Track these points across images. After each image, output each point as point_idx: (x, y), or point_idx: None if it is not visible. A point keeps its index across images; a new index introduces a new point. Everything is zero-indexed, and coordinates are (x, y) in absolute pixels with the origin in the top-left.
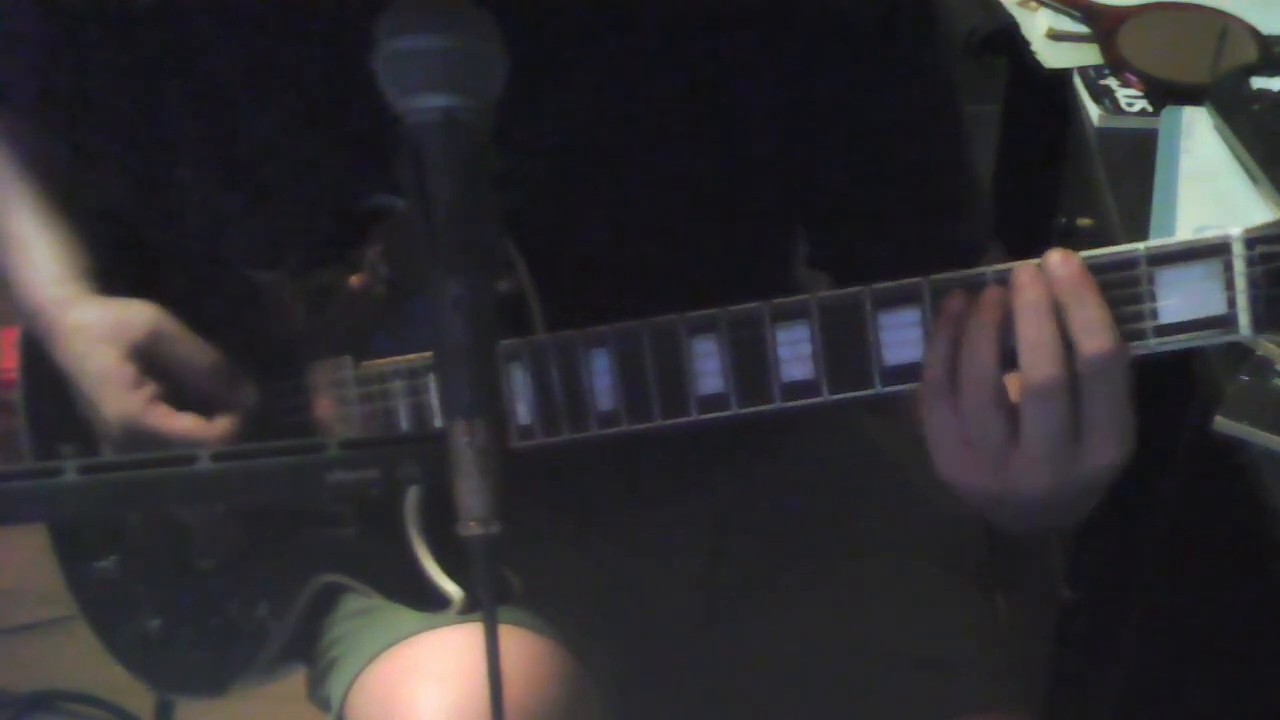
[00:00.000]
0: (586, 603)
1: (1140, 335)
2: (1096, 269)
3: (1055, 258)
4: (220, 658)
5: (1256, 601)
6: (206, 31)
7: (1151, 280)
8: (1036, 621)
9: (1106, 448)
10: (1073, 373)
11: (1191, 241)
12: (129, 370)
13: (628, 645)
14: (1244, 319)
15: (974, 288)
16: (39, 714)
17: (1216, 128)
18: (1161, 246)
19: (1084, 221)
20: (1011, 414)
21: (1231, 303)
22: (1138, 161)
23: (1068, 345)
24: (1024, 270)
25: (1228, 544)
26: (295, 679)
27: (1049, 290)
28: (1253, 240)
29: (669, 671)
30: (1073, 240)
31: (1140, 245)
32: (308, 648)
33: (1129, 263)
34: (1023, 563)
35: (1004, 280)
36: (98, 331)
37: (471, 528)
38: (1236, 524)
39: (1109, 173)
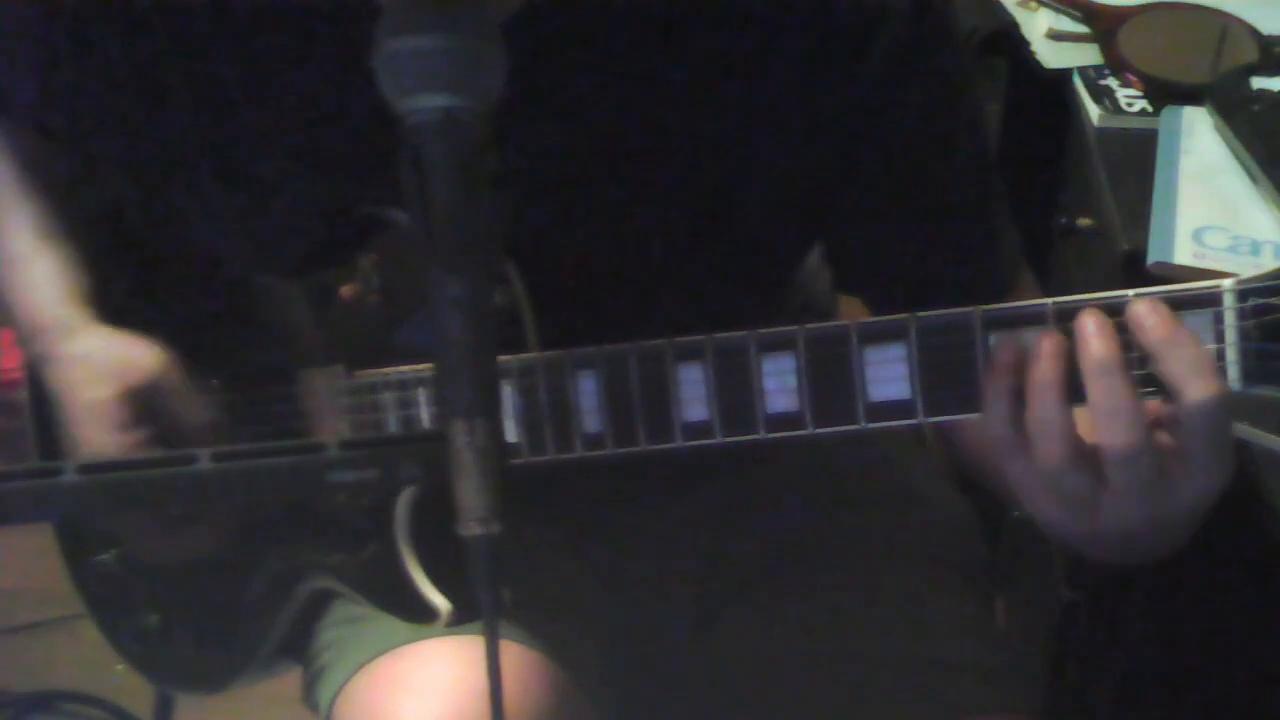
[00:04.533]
0: (581, 607)
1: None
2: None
3: (1141, 310)
4: (217, 655)
5: (1256, 601)
6: (206, 33)
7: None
8: (1036, 621)
9: (1207, 478)
10: (1170, 419)
11: (1182, 290)
12: (122, 411)
13: (622, 649)
14: (1233, 372)
15: (1028, 321)
16: (39, 714)
17: (1216, 128)
18: (1152, 294)
19: (1084, 221)
20: (1095, 461)
21: (1221, 355)
22: (1138, 161)
23: (1164, 390)
24: (1089, 321)
25: (1228, 544)
26: (292, 680)
27: (1116, 345)
28: (1245, 292)
29: (665, 675)
30: (1073, 240)
31: (1130, 292)
32: (300, 650)
33: (1118, 309)
34: (1023, 562)
35: (1040, 318)
36: (99, 365)
37: (472, 528)
38: (1236, 524)
39: (1109, 173)
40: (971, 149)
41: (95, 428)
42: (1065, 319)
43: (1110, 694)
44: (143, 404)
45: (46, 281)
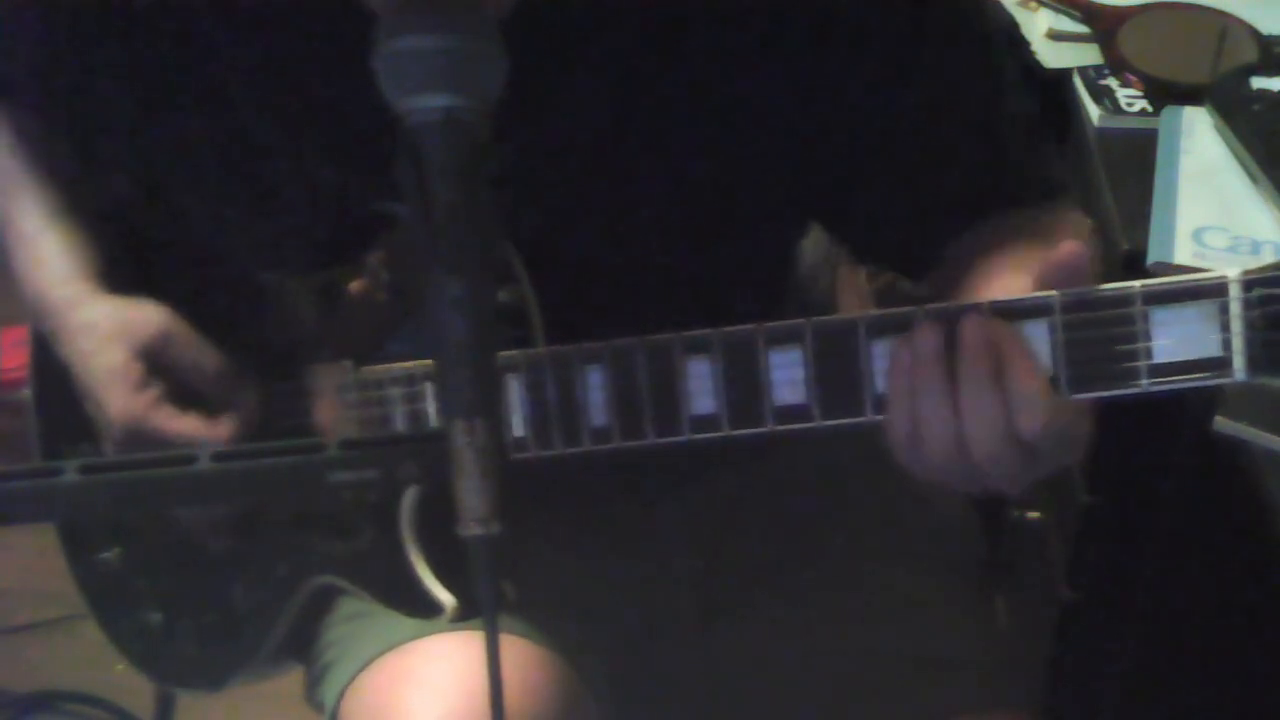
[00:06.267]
0: (582, 605)
1: (1134, 375)
2: (1091, 305)
3: (994, 325)
4: (218, 653)
5: (1256, 601)
6: (208, 32)
7: (1146, 319)
8: (1036, 621)
9: (1064, 453)
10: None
11: (1188, 281)
12: (135, 370)
13: (624, 647)
14: (1239, 362)
15: (1032, 312)
16: (39, 714)
17: (1216, 128)
18: (1158, 285)
19: None
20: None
21: (1227, 345)
22: (1138, 161)
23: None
24: (972, 330)
25: (1228, 544)
26: (294, 679)
27: (991, 353)
28: (1250, 282)
29: (666, 673)
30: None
31: (1136, 283)
32: (305, 648)
33: (1124, 300)
34: (1023, 562)
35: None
36: (106, 330)
37: (472, 528)
38: (1236, 524)
39: (1109, 173)
40: (989, 100)
41: (114, 392)
42: (1070, 311)
43: (1110, 694)
44: (154, 360)
45: (55, 259)
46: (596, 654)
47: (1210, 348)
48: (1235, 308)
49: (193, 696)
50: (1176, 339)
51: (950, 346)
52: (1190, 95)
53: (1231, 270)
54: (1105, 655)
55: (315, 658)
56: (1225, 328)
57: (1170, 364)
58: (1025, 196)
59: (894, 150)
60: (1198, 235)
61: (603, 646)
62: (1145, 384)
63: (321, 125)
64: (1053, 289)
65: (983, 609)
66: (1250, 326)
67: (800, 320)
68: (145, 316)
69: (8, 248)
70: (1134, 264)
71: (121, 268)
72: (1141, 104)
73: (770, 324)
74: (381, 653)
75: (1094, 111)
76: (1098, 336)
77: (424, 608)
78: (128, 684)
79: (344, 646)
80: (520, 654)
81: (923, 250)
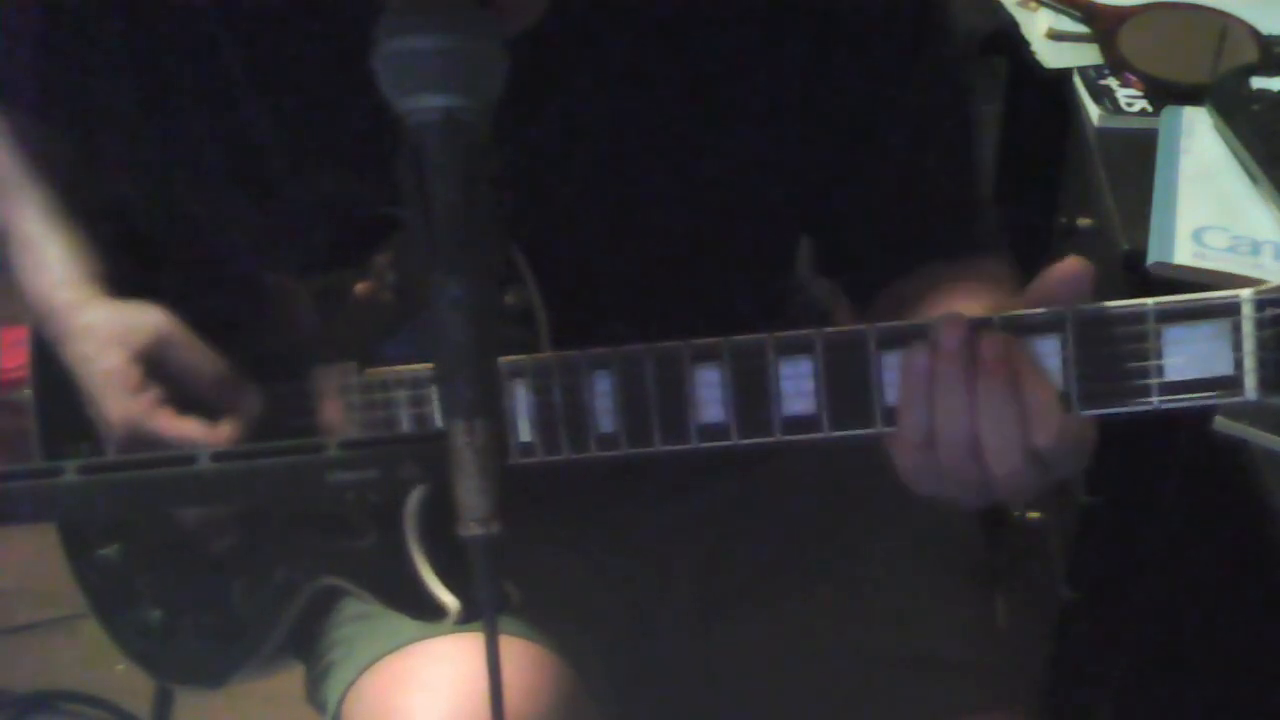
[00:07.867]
0: (583, 606)
1: (1145, 392)
2: (1103, 322)
3: (1008, 339)
4: (219, 651)
5: (1256, 601)
6: (209, 32)
7: (1159, 337)
8: (1036, 621)
9: (1071, 464)
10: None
11: (1201, 299)
12: (134, 373)
13: (625, 648)
14: (1250, 381)
15: (1043, 328)
16: (39, 714)
17: (1216, 128)
18: (1170, 303)
19: (1084, 221)
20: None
21: (1239, 364)
22: (1138, 161)
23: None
24: (991, 343)
25: (1228, 544)
26: (294, 679)
27: (1008, 365)
28: (1263, 302)
29: (666, 673)
30: (1073, 240)
31: (1149, 300)
32: (306, 647)
33: (1137, 317)
34: (1023, 563)
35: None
36: (106, 333)
37: (472, 528)
38: (1236, 524)
39: (1109, 173)
40: (964, 147)
41: (113, 394)
42: (1083, 327)
43: (1110, 694)
44: (154, 364)
45: (56, 263)
46: (596, 654)
47: (1222, 366)
48: (1248, 327)
49: (192, 695)
50: (1188, 357)
51: (966, 357)
52: (1190, 95)
53: (1244, 290)
54: (1105, 655)
55: (318, 657)
56: (1238, 347)
57: (1181, 382)
58: (983, 244)
59: (883, 156)
60: (1198, 235)
61: (603, 646)
62: (1156, 401)
63: (322, 125)
64: (1053, 304)
65: (983, 609)
66: (1262, 346)
67: (810, 330)
68: (144, 320)
69: (9, 251)
70: (1134, 264)
71: (123, 271)
72: (1141, 104)
73: (780, 334)
74: (384, 654)
75: (1094, 111)
76: (1110, 353)
77: (427, 610)
78: (128, 684)
79: (347, 647)
80: (521, 655)
81: (876, 271)
